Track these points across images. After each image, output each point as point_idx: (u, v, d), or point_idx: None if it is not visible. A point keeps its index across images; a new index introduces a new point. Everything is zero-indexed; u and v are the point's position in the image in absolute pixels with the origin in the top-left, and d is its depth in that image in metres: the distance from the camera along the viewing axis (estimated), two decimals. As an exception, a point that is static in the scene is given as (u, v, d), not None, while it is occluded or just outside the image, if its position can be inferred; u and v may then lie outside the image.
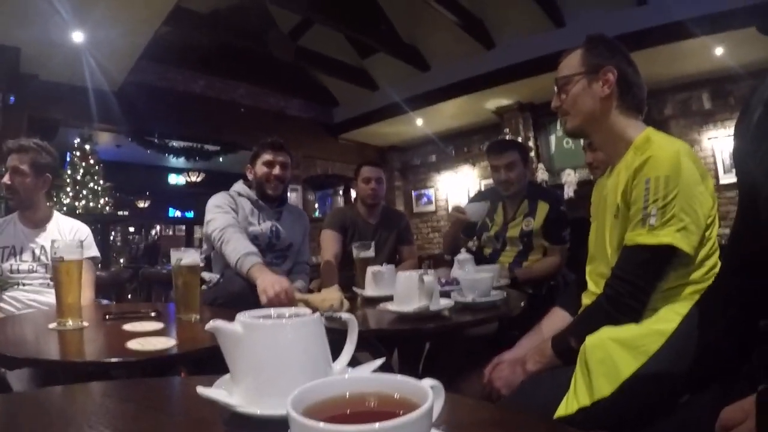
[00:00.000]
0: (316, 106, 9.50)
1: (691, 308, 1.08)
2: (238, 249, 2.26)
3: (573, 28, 6.59)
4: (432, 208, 10.34)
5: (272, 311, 0.79)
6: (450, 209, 2.75)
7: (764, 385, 0.64)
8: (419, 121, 8.98)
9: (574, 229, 2.88)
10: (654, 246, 1.30)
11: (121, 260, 6.59)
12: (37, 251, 2.31)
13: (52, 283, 2.11)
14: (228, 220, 2.46)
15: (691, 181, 1.31)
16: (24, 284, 2.25)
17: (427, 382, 0.49)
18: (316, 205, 10.52)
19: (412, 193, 10.63)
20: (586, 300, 1.58)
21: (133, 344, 1.23)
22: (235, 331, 0.71)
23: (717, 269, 1.35)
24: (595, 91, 1.51)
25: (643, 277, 1.32)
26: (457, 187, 9.88)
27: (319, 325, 0.75)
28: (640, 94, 1.55)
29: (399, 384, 0.49)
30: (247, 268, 2.15)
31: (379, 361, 0.85)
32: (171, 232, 15.96)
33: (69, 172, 6.28)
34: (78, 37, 5.12)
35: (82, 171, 6.23)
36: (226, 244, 2.32)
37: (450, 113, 8.51)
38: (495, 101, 8.21)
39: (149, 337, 1.31)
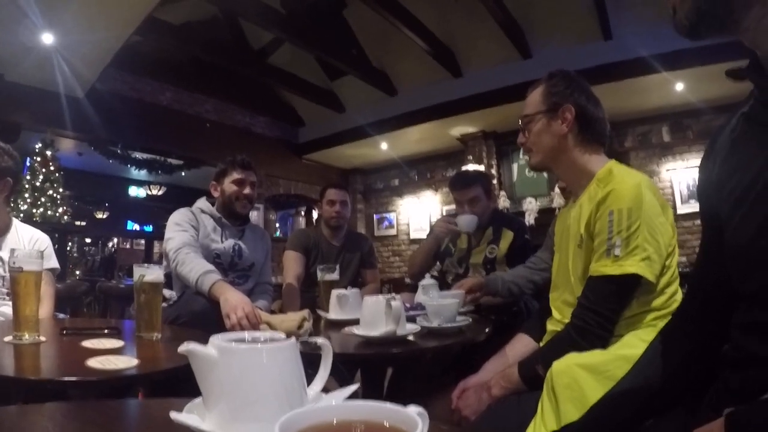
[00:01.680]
0: (281, 125, 9.48)
1: (657, 334, 1.11)
2: (196, 268, 2.21)
3: (539, 60, 6.78)
4: (393, 232, 10.37)
5: (246, 334, 0.77)
6: (437, 221, 2.72)
7: (730, 408, 0.66)
8: (384, 145, 9.03)
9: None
10: (620, 276, 1.33)
11: (77, 272, 6.38)
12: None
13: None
14: (184, 240, 2.40)
15: (652, 213, 1.35)
16: None
17: (413, 410, 0.48)
18: (277, 225, 10.43)
19: (374, 217, 10.65)
20: (551, 326, 1.61)
21: (94, 363, 1.18)
22: (210, 354, 0.69)
23: (678, 296, 1.41)
24: (554, 129, 1.57)
25: (609, 306, 1.35)
26: (419, 212, 9.94)
27: (294, 351, 0.73)
28: (600, 128, 1.60)
29: (387, 412, 0.49)
30: (209, 286, 2.10)
31: (353, 387, 0.84)
32: (128, 245, 15.60)
33: (28, 177, 6.10)
34: (47, 39, 5.03)
35: (41, 177, 6.06)
36: (182, 266, 2.26)
37: (415, 138, 8.60)
38: (460, 128, 8.34)
39: (109, 356, 1.26)
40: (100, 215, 13.66)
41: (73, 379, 1.10)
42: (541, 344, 1.61)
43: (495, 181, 8.41)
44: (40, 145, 6.25)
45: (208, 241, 2.55)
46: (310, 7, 6.83)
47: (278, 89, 8.85)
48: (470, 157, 8.55)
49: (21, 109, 6.08)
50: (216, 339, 0.71)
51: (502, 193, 8.19)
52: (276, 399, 0.69)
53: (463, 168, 8.62)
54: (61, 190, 6.21)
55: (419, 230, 9.82)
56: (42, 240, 2.32)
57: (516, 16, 6.58)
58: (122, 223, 15.32)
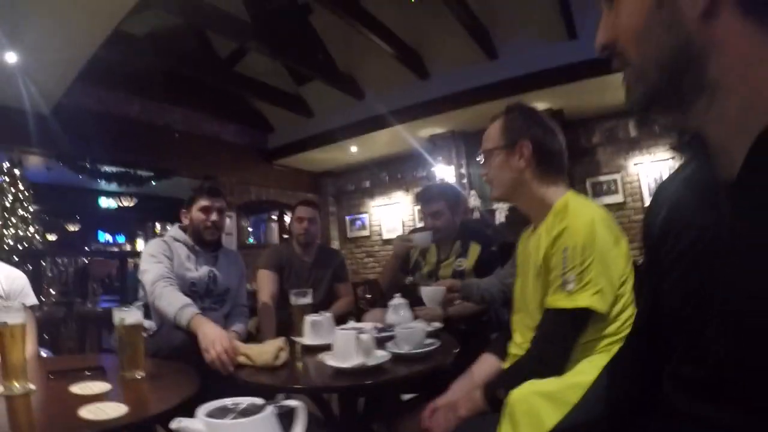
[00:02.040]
0: (251, 132, 9.46)
1: (607, 363, 1.18)
2: (173, 303, 2.26)
3: (505, 61, 6.88)
4: (366, 233, 10.46)
5: (229, 401, 0.85)
6: (394, 239, 2.85)
7: None
8: (353, 148, 9.10)
9: (505, 255, 3.01)
10: (573, 309, 1.42)
11: (52, 290, 6.30)
12: None
13: None
14: (160, 272, 2.44)
15: (605, 248, 1.44)
16: None
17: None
18: (250, 229, 10.43)
19: (346, 219, 10.71)
20: (513, 350, 1.70)
21: (85, 412, 1.25)
22: (199, 430, 0.78)
23: (631, 321, 1.48)
24: (512, 164, 1.64)
25: (565, 337, 1.45)
26: (390, 212, 10.03)
27: (271, 418, 0.83)
28: (558, 161, 1.68)
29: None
30: (186, 321, 2.16)
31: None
32: (101, 257, 15.46)
33: None
34: (11, 58, 4.93)
35: (11, 198, 5.96)
36: (159, 300, 2.32)
37: (384, 140, 8.65)
38: (429, 129, 8.41)
39: (98, 403, 1.33)
40: (71, 228, 13.51)
41: None
42: (505, 366, 1.71)
43: (465, 181, 8.50)
44: (8, 164, 6.13)
45: (183, 270, 2.59)
46: (275, 14, 6.81)
47: (246, 96, 8.83)
48: (440, 158, 8.64)
49: (-15, 127, 5.96)
50: (202, 412, 0.81)
51: (473, 192, 8.27)
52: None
53: (432, 169, 8.75)
54: (31, 209, 6.11)
55: (392, 231, 9.91)
56: (18, 279, 2.31)
57: (481, 17, 6.62)
58: (94, 233, 15.19)
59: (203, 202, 2.71)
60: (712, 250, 0.72)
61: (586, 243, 1.43)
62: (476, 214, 8.06)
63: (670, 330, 0.84)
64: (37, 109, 6.05)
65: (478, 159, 1.76)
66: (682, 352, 0.80)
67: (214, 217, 2.72)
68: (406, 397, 2.40)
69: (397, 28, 6.90)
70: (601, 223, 1.47)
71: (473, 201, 8.10)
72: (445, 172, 8.53)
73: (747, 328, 0.64)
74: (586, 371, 1.35)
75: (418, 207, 3.13)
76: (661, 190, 0.93)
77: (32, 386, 1.51)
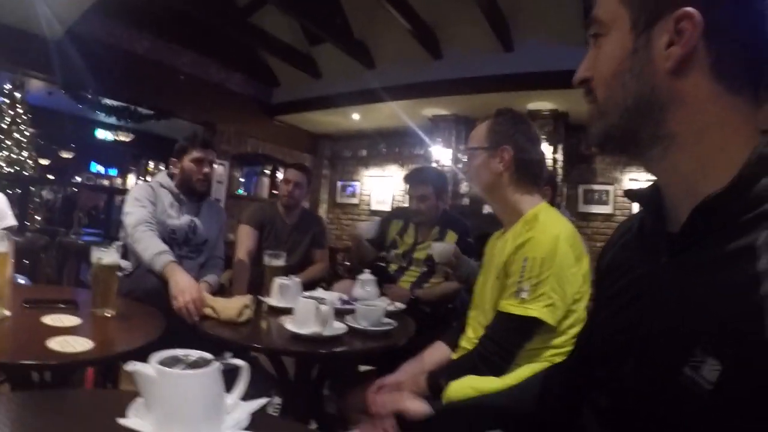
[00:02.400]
0: (256, 84, 9.42)
1: (548, 367, 1.26)
2: (150, 248, 2.35)
3: (520, 55, 6.85)
4: (355, 201, 10.55)
5: (180, 352, 0.95)
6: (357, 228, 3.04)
7: None
8: (356, 116, 9.11)
9: (482, 245, 3.08)
10: (522, 317, 1.51)
11: (37, 217, 6.32)
12: None
13: None
14: (142, 216, 2.51)
15: (564, 265, 1.52)
16: None
17: None
18: (242, 180, 10.46)
19: (338, 184, 10.78)
20: (464, 343, 1.79)
21: (53, 344, 1.33)
22: (151, 375, 0.88)
23: None
24: (492, 167, 1.71)
25: (510, 341, 1.54)
26: (382, 184, 10.09)
27: (217, 374, 0.93)
28: (535, 170, 1.75)
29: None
30: (161, 267, 2.25)
31: (262, 401, 1.01)
32: (91, 189, 15.47)
33: None
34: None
35: (8, 120, 5.92)
36: (138, 243, 2.40)
37: (386, 113, 8.65)
38: (433, 109, 8.42)
39: (68, 336, 1.41)
40: (65, 155, 13.46)
41: (34, 363, 1.27)
42: (453, 356, 1.80)
43: (461, 165, 8.56)
44: (9, 86, 6.08)
45: (165, 217, 2.66)
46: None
47: (257, 49, 8.77)
48: (439, 139, 8.67)
49: (-8, 47, 5.92)
50: (154, 359, 0.90)
51: (467, 177, 8.30)
52: (203, 411, 0.91)
53: (430, 149, 8.79)
54: (27, 133, 6.08)
55: (381, 203, 9.99)
56: None
57: (503, 8, 6.59)
58: (86, 163, 15.14)
59: (196, 154, 2.75)
60: (644, 295, 0.78)
61: (546, 257, 1.51)
62: (466, 200, 8.13)
63: (597, 360, 0.89)
64: (46, 34, 5.98)
65: (460, 154, 1.83)
66: (601, 382, 0.87)
67: (206, 169, 2.76)
68: (363, 368, 2.52)
69: (418, 4, 6.85)
70: (565, 241, 1.55)
71: (465, 187, 8.15)
72: (442, 153, 8.57)
73: (659, 369, 0.70)
74: (524, 377, 1.45)
75: (407, 190, 3.18)
76: (619, 227, 0.99)
77: (7, 312, 1.58)
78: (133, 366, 0.89)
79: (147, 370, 0.88)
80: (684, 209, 0.71)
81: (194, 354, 0.95)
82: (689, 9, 0.67)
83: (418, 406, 1.20)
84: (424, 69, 7.69)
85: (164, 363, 0.90)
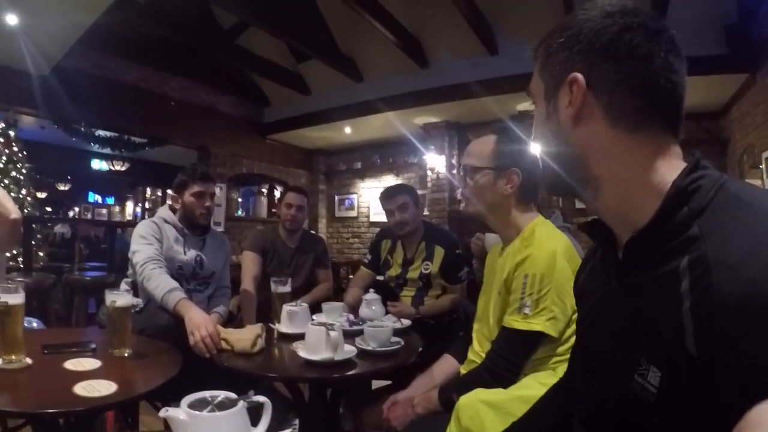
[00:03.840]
0: (247, 105, 9.51)
1: (550, 387, 1.34)
2: (161, 286, 2.40)
3: (506, 57, 6.91)
4: (354, 213, 10.60)
5: (207, 394, 1.01)
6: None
7: None
8: (348, 129, 9.17)
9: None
10: (527, 331, 1.57)
11: (41, 254, 6.35)
12: None
13: None
14: (149, 254, 2.56)
15: (563, 279, 1.58)
16: None
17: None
18: (240, 200, 10.53)
19: (335, 198, 10.84)
20: (471, 355, 1.86)
21: (79, 389, 1.40)
22: (183, 419, 0.95)
23: None
24: (498, 188, 1.73)
25: (517, 354, 1.61)
26: (379, 195, 10.09)
27: (243, 412, 1.01)
28: (537, 191, 1.81)
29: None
30: (173, 304, 2.30)
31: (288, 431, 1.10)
32: (89, 215, 15.58)
33: None
34: (12, 20, 4.95)
35: (5, 159, 5.97)
36: (148, 281, 2.45)
37: (378, 124, 8.73)
38: (424, 118, 8.49)
39: (92, 381, 1.47)
40: (62, 187, 13.56)
41: (67, 410, 1.33)
42: (462, 369, 1.87)
43: (455, 171, 8.63)
44: (2, 125, 6.13)
45: (172, 252, 2.72)
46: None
47: (245, 70, 8.85)
48: (432, 147, 8.77)
49: (-19, 87, 5.99)
50: (184, 404, 0.98)
51: (462, 183, 8.35)
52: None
53: (424, 157, 8.87)
54: (24, 170, 6.13)
55: (379, 213, 10.00)
56: None
57: (485, 12, 6.65)
58: (84, 194, 15.25)
59: (197, 188, 2.80)
60: (601, 315, 0.91)
61: (546, 273, 1.58)
62: (463, 205, 8.17)
63: (577, 375, 1.01)
64: (35, 71, 6.09)
65: (456, 170, 1.87)
66: (580, 395, 0.98)
67: (207, 203, 2.82)
68: (375, 383, 2.59)
69: (401, 15, 6.93)
70: (562, 256, 1.61)
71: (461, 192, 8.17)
72: (436, 160, 8.67)
73: (617, 380, 0.80)
74: (531, 386, 1.51)
75: (386, 206, 3.23)
76: (588, 251, 1.11)
77: (29, 360, 1.64)
78: (165, 412, 0.96)
79: (179, 414, 0.95)
80: (623, 238, 0.83)
81: (220, 395, 1.02)
82: (575, 73, 0.82)
83: None
84: (412, 78, 7.76)
85: (193, 406, 0.98)
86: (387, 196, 3.25)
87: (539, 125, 0.93)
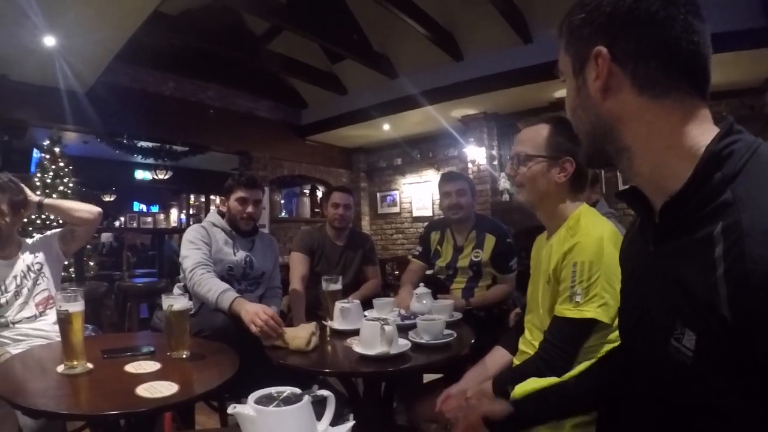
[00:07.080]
0: (284, 108, 9.61)
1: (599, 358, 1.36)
2: (213, 289, 2.44)
3: (539, 46, 6.84)
4: (396, 209, 10.62)
5: (273, 390, 1.05)
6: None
7: None
8: (386, 126, 9.20)
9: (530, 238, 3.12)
10: (579, 320, 1.56)
11: (91, 263, 6.57)
12: (18, 281, 2.41)
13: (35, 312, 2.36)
14: (198, 259, 2.61)
15: (611, 264, 1.55)
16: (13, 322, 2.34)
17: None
18: (282, 202, 10.67)
19: (377, 195, 10.89)
20: (522, 345, 1.85)
21: (142, 391, 1.45)
22: (250, 415, 0.98)
23: None
24: (552, 176, 1.71)
25: (570, 343, 1.59)
26: (421, 190, 10.16)
27: (308, 405, 1.03)
28: (587, 180, 1.80)
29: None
30: (228, 304, 2.33)
31: (349, 425, 1.11)
32: (135, 224, 16.01)
33: (38, 174, 6.20)
34: (50, 41, 5.11)
35: (52, 174, 6.17)
36: (199, 286, 2.49)
37: (416, 120, 8.74)
38: (461, 110, 8.47)
39: (153, 382, 1.53)
40: (107, 198, 13.99)
41: (132, 411, 1.38)
42: (515, 360, 1.87)
43: (496, 162, 8.64)
44: (48, 142, 6.34)
45: (222, 255, 2.77)
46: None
47: (280, 74, 8.93)
48: (471, 139, 8.73)
49: (26, 106, 6.23)
50: (251, 400, 1.01)
51: (503, 174, 8.28)
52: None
53: (464, 150, 8.84)
54: (71, 184, 6.30)
55: (422, 208, 10.07)
56: (38, 242, 2.60)
57: (516, 1, 6.61)
58: (129, 204, 15.69)
59: (240, 193, 2.84)
60: (640, 280, 0.94)
61: (594, 260, 1.56)
62: (506, 197, 8.13)
63: (622, 339, 1.06)
64: (75, 89, 6.32)
65: (510, 158, 1.85)
66: (623, 359, 1.03)
67: (250, 209, 2.85)
68: (427, 377, 2.61)
69: (432, 10, 6.93)
70: (609, 241, 1.59)
71: (503, 183, 8.14)
72: (476, 153, 8.62)
73: (655, 343, 0.83)
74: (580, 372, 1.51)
75: (444, 188, 3.26)
76: (632, 221, 1.11)
77: (90, 365, 1.71)
78: (233, 409, 0.99)
79: (246, 410, 0.98)
80: (659, 204, 0.84)
81: (286, 390, 1.05)
82: (599, 47, 0.84)
83: (501, 407, 1.32)
84: (446, 72, 7.75)
85: (260, 402, 1.01)
86: (448, 178, 3.31)
87: (570, 101, 0.95)
